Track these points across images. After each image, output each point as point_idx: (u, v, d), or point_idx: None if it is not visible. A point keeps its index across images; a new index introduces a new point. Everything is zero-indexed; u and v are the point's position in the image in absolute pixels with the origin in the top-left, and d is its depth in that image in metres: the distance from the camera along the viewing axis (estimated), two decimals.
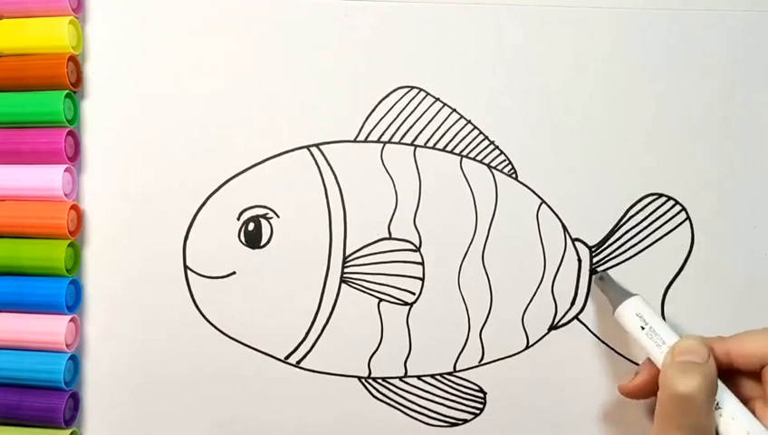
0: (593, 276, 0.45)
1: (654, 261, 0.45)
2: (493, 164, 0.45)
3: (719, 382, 0.37)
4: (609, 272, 0.45)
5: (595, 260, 0.45)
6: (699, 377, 0.36)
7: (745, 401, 0.37)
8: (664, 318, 0.43)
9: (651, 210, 0.45)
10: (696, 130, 0.45)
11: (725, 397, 0.37)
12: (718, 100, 0.45)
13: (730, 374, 0.38)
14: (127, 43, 0.45)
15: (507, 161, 0.45)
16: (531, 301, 0.45)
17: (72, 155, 0.45)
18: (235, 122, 0.45)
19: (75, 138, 0.45)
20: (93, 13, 0.46)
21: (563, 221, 0.45)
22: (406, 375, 0.46)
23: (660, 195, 0.45)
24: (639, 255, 0.45)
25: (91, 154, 0.46)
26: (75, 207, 0.45)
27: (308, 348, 0.45)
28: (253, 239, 0.45)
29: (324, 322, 0.45)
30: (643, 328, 0.40)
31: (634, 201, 0.45)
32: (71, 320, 0.45)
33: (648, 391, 0.40)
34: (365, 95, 0.45)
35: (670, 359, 0.38)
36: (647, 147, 0.45)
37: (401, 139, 0.45)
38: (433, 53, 0.45)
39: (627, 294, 0.42)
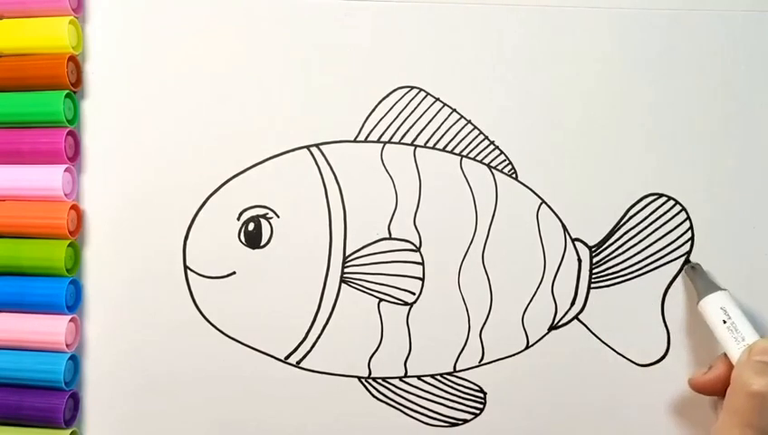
0: (685, 266, 0.45)
1: (654, 261, 0.45)
2: (493, 164, 0.45)
3: None
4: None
5: (595, 260, 0.45)
6: None
7: None
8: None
9: (651, 210, 0.45)
10: (696, 130, 0.45)
11: None
12: (718, 100, 0.45)
13: None
14: (127, 43, 0.45)
15: (507, 161, 0.45)
16: (531, 301, 0.45)
17: (72, 155, 0.45)
18: (235, 122, 0.45)
19: (75, 138, 0.45)
20: (93, 13, 0.46)
21: (563, 221, 0.45)
22: (406, 375, 0.46)
23: (660, 195, 0.45)
24: (639, 254, 0.45)
25: (91, 154, 0.46)
26: (75, 207, 0.45)
27: (308, 348, 0.45)
28: (253, 239, 0.45)
29: (324, 322, 0.45)
30: (725, 322, 0.41)
31: (634, 201, 0.45)
32: (71, 320, 0.45)
33: (720, 387, 0.40)
34: (365, 95, 0.45)
35: (747, 356, 0.38)
36: (647, 147, 0.45)
37: (401, 139, 0.45)
38: (433, 53, 0.45)
39: (715, 287, 0.43)
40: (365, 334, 0.45)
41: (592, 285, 0.45)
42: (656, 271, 0.45)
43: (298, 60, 0.45)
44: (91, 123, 0.46)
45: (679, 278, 0.45)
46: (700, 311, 0.43)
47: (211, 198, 0.45)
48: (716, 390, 0.41)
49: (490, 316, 0.45)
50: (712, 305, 0.42)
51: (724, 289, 0.42)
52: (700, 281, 0.44)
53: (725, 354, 0.41)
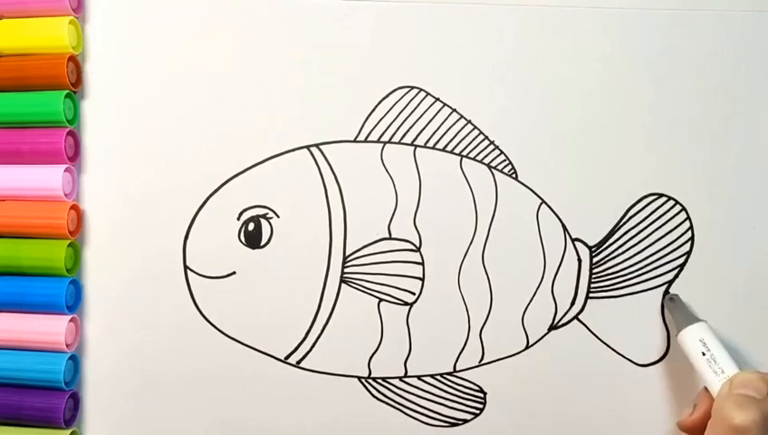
0: (665, 297, 0.45)
1: (654, 261, 0.45)
2: (493, 164, 0.45)
3: None
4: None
5: (595, 260, 0.45)
6: (756, 412, 0.36)
7: None
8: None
9: (651, 210, 0.45)
10: (696, 130, 0.45)
11: None
12: (718, 100, 0.45)
13: None
14: (127, 43, 0.45)
15: (507, 161, 0.45)
16: (531, 301, 0.45)
17: (72, 155, 0.45)
18: (235, 122, 0.45)
19: (75, 138, 0.45)
20: (93, 13, 0.46)
21: (563, 221, 0.45)
22: (406, 375, 0.46)
23: (660, 195, 0.45)
24: (639, 255, 0.45)
25: (91, 154, 0.46)
26: (75, 207, 0.45)
27: (308, 348, 0.45)
28: (253, 239, 0.45)
29: (324, 322, 0.45)
30: (704, 354, 0.40)
31: (634, 201, 0.45)
32: (71, 320, 0.45)
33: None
34: (365, 95, 0.45)
35: (728, 390, 0.38)
36: (647, 147, 0.45)
37: (401, 139, 0.45)
38: (433, 53, 0.45)
39: (693, 319, 0.42)
40: (365, 334, 0.45)
41: (592, 285, 0.45)
42: (656, 271, 0.45)
43: (298, 60, 0.45)
44: (91, 123, 0.46)
45: (680, 278, 0.45)
46: (679, 343, 0.42)
47: (211, 198, 0.45)
48: (704, 429, 0.40)
49: (490, 316, 0.45)
50: (691, 338, 0.41)
51: (703, 320, 0.42)
52: (679, 312, 0.43)
53: (706, 389, 0.40)
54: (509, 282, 0.45)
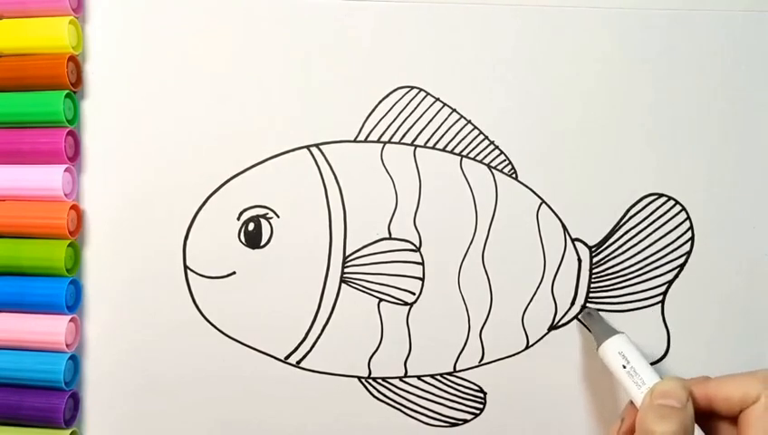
0: (582, 312, 0.45)
1: (654, 261, 0.45)
2: (493, 164, 0.45)
3: (696, 428, 0.36)
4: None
5: (595, 260, 0.45)
6: (676, 422, 0.35)
7: None
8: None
9: (651, 210, 0.45)
10: (696, 129, 0.45)
11: None
12: (718, 100, 0.45)
13: (709, 417, 0.38)
14: (127, 43, 0.45)
15: (507, 161, 0.45)
16: (531, 301, 0.45)
17: (72, 155, 0.45)
18: (235, 122, 0.45)
19: (75, 138, 0.45)
20: (93, 13, 0.46)
21: (563, 221, 0.45)
22: (406, 375, 0.46)
23: (660, 195, 0.45)
24: (639, 255, 0.45)
25: (91, 154, 0.46)
26: (75, 207, 0.45)
27: (308, 348, 0.45)
28: (253, 239, 0.45)
29: (324, 322, 0.45)
30: (624, 367, 0.40)
31: (634, 201, 0.45)
32: (71, 320, 0.45)
33: None
34: (365, 95, 0.45)
35: (649, 401, 0.37)
36: (647, 147, 0.45)
37: (401, 139, 0.45)
38: (433, 53, 0.45)
39: (611, 332, 0.42)
40: (365, 334, 0.45)
41: (592, 285, 0.45)
42: (656, 271, 0.45)
43: (298, 60, 0.45)
44: (91, 123, 0.46)
45: (680, 278, 0.45)
46: (600, 357, 0.42)
47: (211, 198, 0.45)
48: None
49: (490, 316, 0.45)
50: (610, 351, 0.41)
51: (621, 332, 0.42)
52: (597, 326, 0.43)
53: (632, 402, 0.40)
54: (509, 282, 0.45)
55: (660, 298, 0.45)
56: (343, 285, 0.45)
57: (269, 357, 0.45)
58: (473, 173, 0.45)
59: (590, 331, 0.44)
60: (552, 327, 0.45)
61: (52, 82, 0.44)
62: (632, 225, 0.45)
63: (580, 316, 0.45)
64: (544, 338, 0.45)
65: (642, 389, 0.39)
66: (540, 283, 0.45)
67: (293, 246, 0.45)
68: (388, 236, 0.45)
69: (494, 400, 0.45)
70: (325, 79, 0.45)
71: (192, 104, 0.45)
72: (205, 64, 0.45)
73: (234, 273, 0.45)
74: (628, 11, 0.45)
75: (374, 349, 0.45)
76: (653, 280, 0.45)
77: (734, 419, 0.37)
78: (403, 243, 0.45)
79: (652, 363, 0.45)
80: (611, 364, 0.41)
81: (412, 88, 0.45)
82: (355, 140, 0.45)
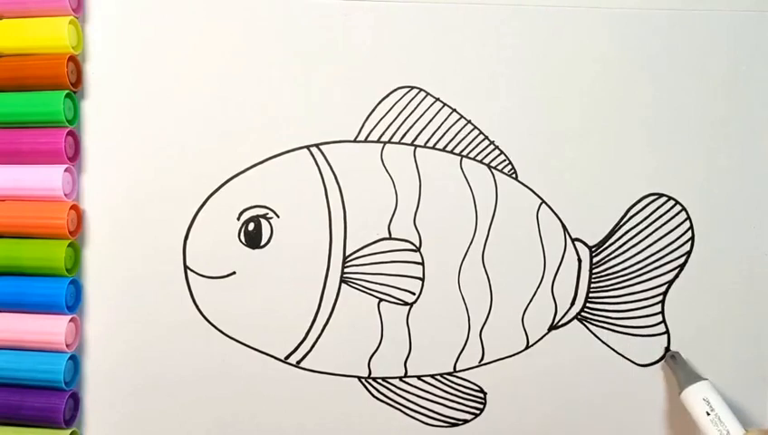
0: (666, 354, 0.45)
1: (654, 261, 0.45)
2: (493, 164, 0.45)
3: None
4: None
5: (595, 260, 0.45)
6: None
7: None
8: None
9: (651, 210, 0.45)
10: (697, 130, 0.45)
11: None
12: (718, 100, 0.45)
13: None
14: (127, 43, 0.45)
15: (507, 161, 0.45)
16: (531, 301, 0.45)
17: (72, 155, 0.45)
18: (235, 122, 0.45)
19: (75, 138, 0.45)
20: (93, 13, 0.46)
21: (563, 221, 0.45)
22: (406, 375, 0.46)
23: (660, 195, 0.45)
24: (639, 254, 0.45)
25: (91, 154, 0.46)
26: (75, 207, 0.45)
27: (308, 348, 0.45)
28: (253, 239, 0.45)
29: (324, 322, 0.45)
30: (708, 413, 0.41)
31: (634, 201, 0.45)
32: (71, 320, 0.45)
33: None
34: (365, 95, 0.45)
35: None
36: (647, 147, 0.45)
37: (401, 139, 0.45)
38: (433, 53, 0.45)
39: (696, 378, 0.42)
40: (365, 334, 0.45)
41: (592, 285, 0.45)
42: (656, 271, 0.45)
43: (298, 60, 0.45)
44: (91, 123, 0.46)
45: (680, 278, 0.45)
46: (683, 401, 0.42)
47: (211, 198, 0.45)
48: None
49: (490, 316, 0.45)
50: (694, 396, 0.42)
51: (705, 378, 0.42)
52: (681, 370, 0.44)
53: None
54: (509, 282, 0.45)
55: (660, 298, 0.45)
56: (343, 284, 0.45)
57: (269, 357, 0.45)
58: (473, 173, 0.45)
59: (673, 373, 0.44)
60: (552, 327, 0.45)
61: (52, 81, 0.44)
62: (632, 225, 0.45)
63: (664, 358, 0.45)
64: (544, 338, 0.45)
65: None
66: (540, 283, 0.45)
67: (293, 246, 0.45)
68: (388, 236, 0.45)
69: (494, 400, 0.45)
70: (325, 79, 0.45)
71: (192, 104, 0.45)
72: (205, 64, 0.45)
73: (234, 273, 0.45)
74: (627, 11, 0.45)
75: (374, 349, 0.45)
76: (653, 280, 0.45)
77: None
78: (403, 243, 0.45)
79: (652, 364, 0.45)
80: (694, 409, 0.41)
81: (412, 88, 0.45)
82: (355, 140, 0.45)
